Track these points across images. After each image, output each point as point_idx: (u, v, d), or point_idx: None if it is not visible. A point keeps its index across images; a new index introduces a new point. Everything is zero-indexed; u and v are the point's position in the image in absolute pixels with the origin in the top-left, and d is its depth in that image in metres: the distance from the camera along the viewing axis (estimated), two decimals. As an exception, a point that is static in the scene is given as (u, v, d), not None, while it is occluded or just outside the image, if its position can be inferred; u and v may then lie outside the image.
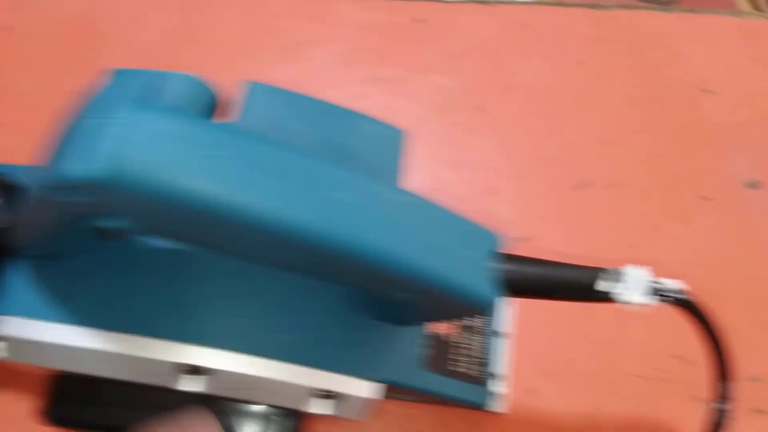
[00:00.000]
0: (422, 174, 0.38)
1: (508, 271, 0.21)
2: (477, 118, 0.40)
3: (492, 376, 0.31)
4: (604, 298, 0.21)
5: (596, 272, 0.21)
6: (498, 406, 0.31)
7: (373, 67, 0.41)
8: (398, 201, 0.20)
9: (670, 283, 0.22)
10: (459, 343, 0.29)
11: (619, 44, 0.42)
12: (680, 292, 0.22)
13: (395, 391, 0.28)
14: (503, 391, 0.31)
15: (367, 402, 0.24)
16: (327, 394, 0.23)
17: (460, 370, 0.29)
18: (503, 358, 0.32)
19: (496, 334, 0.32)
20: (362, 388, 0.23)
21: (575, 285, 0.21)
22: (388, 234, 0.18)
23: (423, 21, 0.42)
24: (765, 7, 1.00)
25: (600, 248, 0.36)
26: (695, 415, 0.33)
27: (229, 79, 0.25)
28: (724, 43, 0.42)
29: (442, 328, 0.28)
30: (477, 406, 0.30)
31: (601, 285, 0.21)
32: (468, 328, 0.30)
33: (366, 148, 0.29)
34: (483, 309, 0.21)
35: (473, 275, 0.20)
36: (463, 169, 0.38)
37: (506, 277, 0.21)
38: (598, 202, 0.37)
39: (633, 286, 0.21)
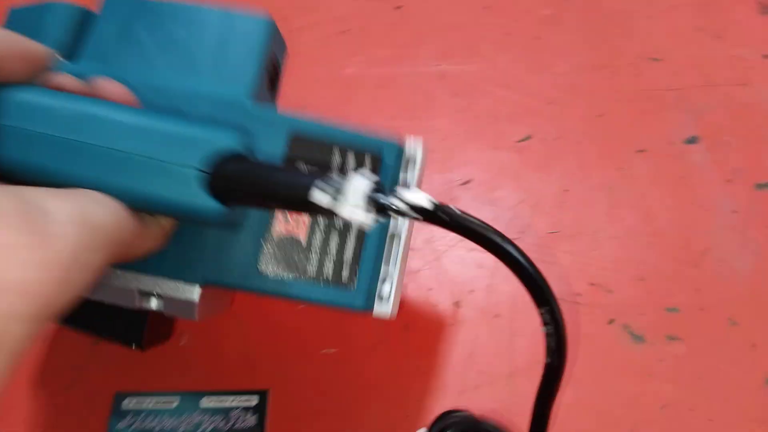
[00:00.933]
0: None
1: (219, 176, 0.20)
2: (438, 80, 0.45)
3: (376, 279, 0.27)
4: (325, 211, 0.19)
5: (312, 180, 0.18)
6: (384, 311, 0.27)
7: (361, 44, 0.48)
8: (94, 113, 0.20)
9: (407, 197, 0.19)
10: (325, 245, 0.27)
11: (576, 22, 0.46)
12: (413, 206, 0.19)
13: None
14: (390, 295, 0.27)
15: (189, 303, 0.25)
16: (154, 295, 0.25)
17: (325, 273, 0.26)
18: (393, 261, 0.27)
19: (388, 236, 0.28)
20: (182, 291, 0.25)
21: (290, 194, 0.19)
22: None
23: (400, 8, 0.49)
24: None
25: (534, 194, 0.40)
26: (608, 335, 0.36)
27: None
28: (675, 16, 0.46)
29: (300, 232, 0.27)
30: (352, 309, 0.27)
31: (317, 196, 0.18)
32: (341, 232, 0.27)
33: (215, 43, 0.28)
34: (197, 217, 0.21)
35: (171, 184, 0.20)
36: (419, 121, 0.43)
37: (215, 183, 0.20)
38: (536, 154, 0.41)
39: (354, 198, 0.18)
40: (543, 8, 0.47)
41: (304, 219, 0.27)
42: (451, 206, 0.19)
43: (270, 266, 0.26)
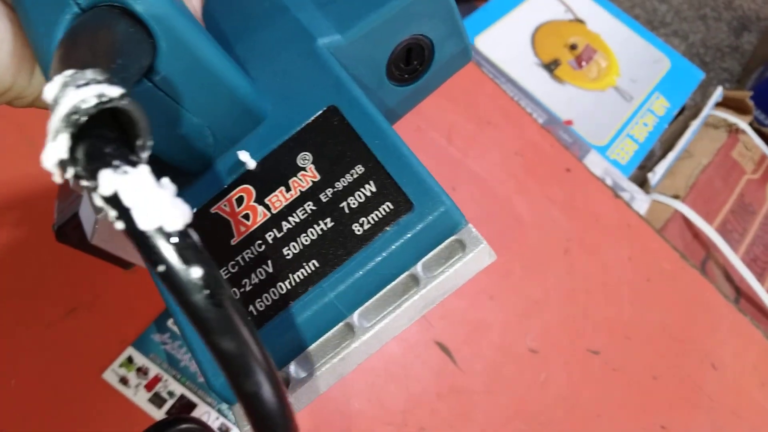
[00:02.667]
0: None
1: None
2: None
3: (285, 358, 0.18)
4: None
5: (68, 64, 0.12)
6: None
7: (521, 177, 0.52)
8: None
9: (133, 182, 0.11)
10: (260, 260, 0.18)
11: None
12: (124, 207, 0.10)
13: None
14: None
15: (93, 216, 0.22)
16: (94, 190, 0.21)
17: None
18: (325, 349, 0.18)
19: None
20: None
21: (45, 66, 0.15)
22: None
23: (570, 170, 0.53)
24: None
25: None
26: None
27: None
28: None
29: (241, 224, 0.19)
30: (207, 382, 0.18)
31: (48, 85, 0.11)
32: (295, 259, 0.18)
33: None
34: (37, 49, 0.15)
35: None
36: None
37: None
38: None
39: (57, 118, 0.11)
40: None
41: (261, 211, 0.18)
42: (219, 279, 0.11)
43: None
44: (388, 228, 0.17)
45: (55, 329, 0.37)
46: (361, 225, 0.18)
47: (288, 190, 0.19)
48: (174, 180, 0.19)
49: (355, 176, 0.18)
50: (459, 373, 0.43)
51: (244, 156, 0.19)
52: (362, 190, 0.18)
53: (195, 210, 0.19)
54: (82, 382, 0.36)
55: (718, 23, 1.38)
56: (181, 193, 0.19)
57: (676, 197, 0.64)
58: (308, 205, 0.18)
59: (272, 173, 0.19)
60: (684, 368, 0.48)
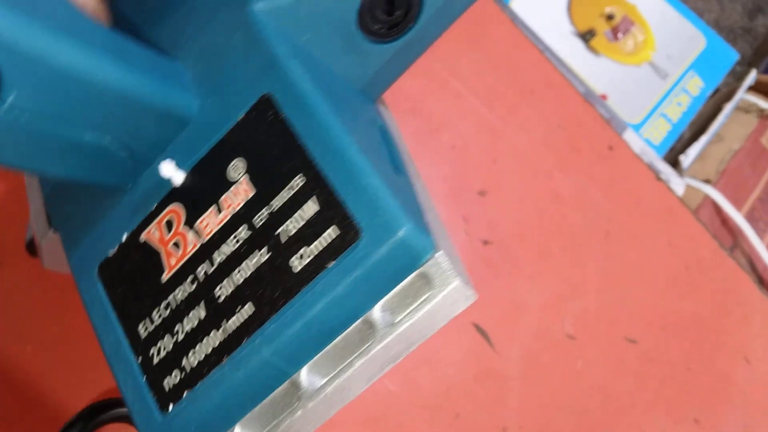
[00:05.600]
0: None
1: None
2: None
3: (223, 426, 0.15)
4: None
5: None
6: None
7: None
8: None
9: None
10: (187, 306, 0.15)
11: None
12: None
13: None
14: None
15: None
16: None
17: (152, 353, 0.16)
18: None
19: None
20: (39, 218, 0.20)
21: None
22: None
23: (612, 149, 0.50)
24: None
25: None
26: None
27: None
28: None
29: (171, 256, 0.16)
30: None
31: None
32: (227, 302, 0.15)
33: None
34: None
35: None
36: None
37: None
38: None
39: None
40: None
41: (191, 239, 0.15)
42: None
43: (108, 274, 0.17)
44: (332, 263, 0.14)
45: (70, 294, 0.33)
46: (301, 258, 0.14)
47: (219, 210, 0.15)
48: (101, 199, 0.17)
49: (294, 191, 0.14)
50: (495, 356, 0.41)
51: (167, 168, 0.16)
52: (303, 210, 0.14)
53: (125, 238, 0.16)
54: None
55: (733, 4, 1.35)
56: (109, 215, 0.17)
57: (707, 182, 0.61)
58: (241, 231, 0.15)
59: (201, 188, 0.15)
60: (718, 361, 0.47)
